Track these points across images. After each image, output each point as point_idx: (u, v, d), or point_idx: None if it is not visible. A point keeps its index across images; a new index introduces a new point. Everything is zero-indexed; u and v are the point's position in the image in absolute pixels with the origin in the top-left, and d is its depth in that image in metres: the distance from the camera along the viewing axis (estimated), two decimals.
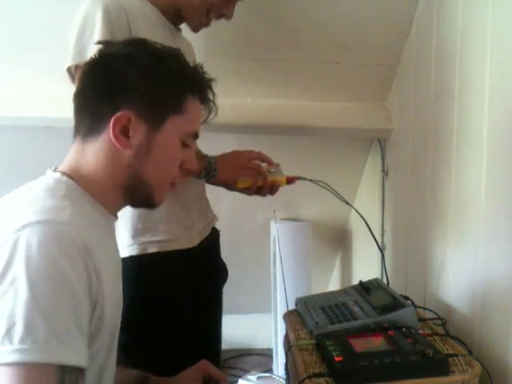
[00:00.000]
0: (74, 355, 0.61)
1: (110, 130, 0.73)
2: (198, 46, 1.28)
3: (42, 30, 1.43)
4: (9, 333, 0.57)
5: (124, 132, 0.74)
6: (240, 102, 1.64)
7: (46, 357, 0.58)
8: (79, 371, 0.62)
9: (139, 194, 0.79)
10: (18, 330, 0.57)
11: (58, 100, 1.46)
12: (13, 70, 1.53)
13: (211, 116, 0.88)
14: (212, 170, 1.15)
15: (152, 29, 1.06)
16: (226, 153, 1.21)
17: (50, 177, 0.74)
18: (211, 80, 0.84)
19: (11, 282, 0.58)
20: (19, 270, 0.59)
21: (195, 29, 1.18)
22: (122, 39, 0.83)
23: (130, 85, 0.74)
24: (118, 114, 0.73)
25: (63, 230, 0.63)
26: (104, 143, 0.74)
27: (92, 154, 0.75)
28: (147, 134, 0.75)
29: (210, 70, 0.85)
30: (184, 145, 0.80)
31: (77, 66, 0.99)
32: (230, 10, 1.15)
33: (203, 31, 1.20)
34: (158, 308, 1.06)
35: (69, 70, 1.02)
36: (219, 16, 1.16)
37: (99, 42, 0.84)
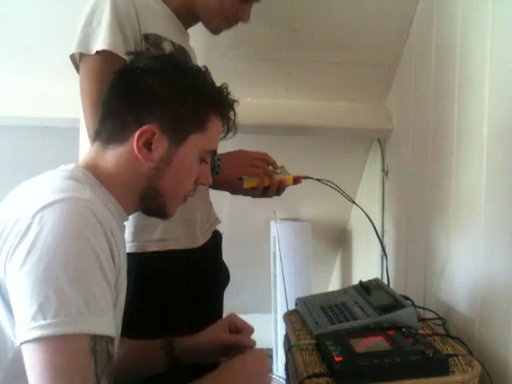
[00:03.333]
0: (105, 325, 0.63)
1: (134, 142, 0.75)
2: (198, 46, 1.28)
3: (42, 29, 1.44)
4: (41, 308, 0.58)
5: (147, 145, 0.75)
6: (240, 102, 1.64)
7: (79, 328, 0.59)
8: (109, 340, 0.64)
9: (153, 204, 0.81)
10: (51, 304, 0.58)
11: (58, 100, 1.47)
12: (13, 70, 1.53)
13: (229, 135, 0.90)
14: (215, 167, 1.14)
15: (163, 26, 1.07)
16: (231, 151, 1.20)
17: (65, 167, 0.75)
18: (234, 101, 0.87)
19: (39, 258, 0.60)
20: (47, 247, 0.60)
21: (215, 32, 1.19)
22: (151, 53, 0.85)
23: (157, 99, 0.76)
24: (144, 127, 0.74)
25: (85, 205, 0.65)
26: (125, 152, 0.76)
27: (112, 159, 0.77)
28: (169, 148, 0.77)
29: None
30: (201, 160, 0.83)
31: (81, 55, 0.99)
32: (245, 14, 1.16)
33: (203, 32, 1.20)
34: (154, 307, 1.06)
35: (72, 57, 1.02)
36: (236, 20, 1.17)
37: (129, 53, 0.86)
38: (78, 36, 0.99)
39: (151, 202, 0.81)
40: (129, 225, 1.06)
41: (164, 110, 0.76)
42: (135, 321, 1.00)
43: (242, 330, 0.97)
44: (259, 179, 1.17)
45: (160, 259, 1.08)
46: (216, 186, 1.18)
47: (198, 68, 0.84)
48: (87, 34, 0.98)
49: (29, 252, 0.60)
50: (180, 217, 1.11)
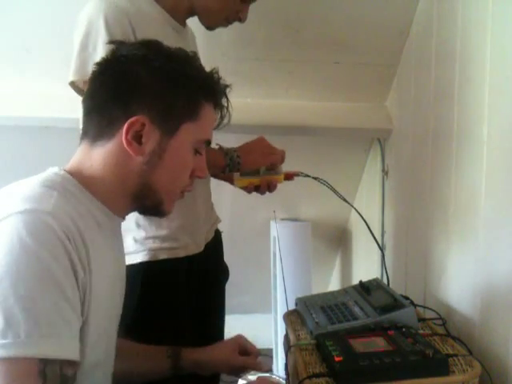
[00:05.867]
0: (58, 346, 0.60)
1: (123, 135, 0.71)
2: (198, 46, 1.28)
3: (42, 30, 1.43)
4: None
5: (137, 138, 0.72)
6: (240, 103, 1.62)
7: (26, 351, 0.57)
8: (65, 362, 0.61)
9: (148, 202, 0.77)
10: None
11: (58, 100, 1.46)
12: (13, 70, 1.53)
13: (224, 122, 0.86)
14: (235, 164, 1.15)
15: (160, 31, 1.05)
16: (247, 142, 1.21)
17: (49, 171, 0.73)
18: (227, 86, 0.83)
19: None
20: None
21: (210, 29, 1.17)
22: (135, 41, 0.81)
23: (145, 88, 0.72)
24: (132, 119, 0.70)
25: (42, 220, 0.61)
26: (114, 147, 0.72)
27: (100, 158, 0.73)
28: (160, 140, 0.73)
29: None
30: (196, 152, 0.79)
31: (84, 82, 0.96)
32: (244, 14, 1.15)
33: (203, 31, 1.20)
34: (164, 312, 1.07)
35: (72, 83, 1.00)
36: (235, 19, 1.16)
37: (111, 42, 0.81)
38: (74, 62, 0.97)
39: (146, 200, 0.77)
40: (137, 234, 1.07)
41: (153, 100, 0.72)
42: (146, 327, 1.02)
43: (249, 352, 1.00)
44: (249, 180, 1.19)
45: (167, 265, 1.09)
46: (216, 177, 1.20)
47: (187, 53, 0.79)
48: (84, 60, 0.96)
49: None
50: (186, 223, 1.12)
